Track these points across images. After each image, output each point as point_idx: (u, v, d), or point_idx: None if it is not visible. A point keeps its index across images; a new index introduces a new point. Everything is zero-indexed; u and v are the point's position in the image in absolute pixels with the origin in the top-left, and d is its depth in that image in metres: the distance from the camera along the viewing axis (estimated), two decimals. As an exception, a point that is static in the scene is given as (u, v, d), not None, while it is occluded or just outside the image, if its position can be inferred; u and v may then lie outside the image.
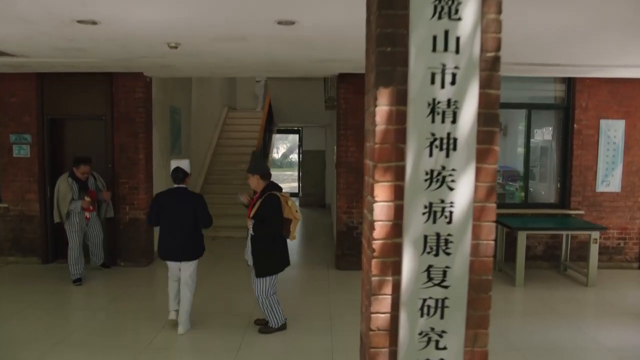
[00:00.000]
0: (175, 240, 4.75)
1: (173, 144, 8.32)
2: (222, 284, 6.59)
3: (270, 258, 4.67)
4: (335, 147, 7.37)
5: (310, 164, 13.52)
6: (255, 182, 4.69)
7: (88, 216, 6.18)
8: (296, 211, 4.71)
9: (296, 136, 15.38)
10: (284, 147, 29.51)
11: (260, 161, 5.01)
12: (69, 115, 7.07)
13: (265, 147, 11.26)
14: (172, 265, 4.88)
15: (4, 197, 7.16)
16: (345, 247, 6.99)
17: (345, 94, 6.88)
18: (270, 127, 12.35)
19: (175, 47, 4.73)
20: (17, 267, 7.04)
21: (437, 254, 1.94)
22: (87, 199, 6.05)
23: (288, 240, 4.81)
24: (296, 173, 16.87)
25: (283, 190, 4.86)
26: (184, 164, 4.95)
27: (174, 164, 4.97)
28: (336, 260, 7.12)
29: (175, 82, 8.34)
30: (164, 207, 4.78)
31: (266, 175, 4.73)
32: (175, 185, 4.87)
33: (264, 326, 4.89)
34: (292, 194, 16.40)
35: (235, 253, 7.83)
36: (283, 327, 4.86)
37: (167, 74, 6.93)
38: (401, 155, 1.96)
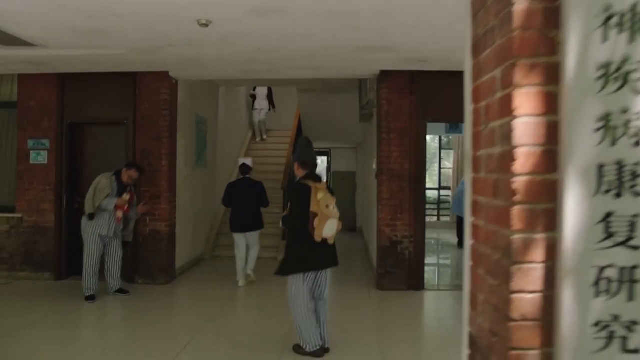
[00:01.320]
0: (244, 217, 6.42)
1: (198, 155, 7.78)
2: (253, 308, 5.85)
3: (293, 255, 4.04)
4: (375, 154, 6.70)
5: (340, 186, 12.83)
6: (297, 170, 4.23)
7: (120, 216, 5.54)
8: (327, 206, 3.93)
9: (324, 158, 14.77)
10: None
11: (303, 147, 4.38)
12: (90, 119, 6.61)
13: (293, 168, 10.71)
14: (240, 236, 6.55)
15: (18, 207, 6.65)
16: (389, 265, 6.20)
17: (387, 93, 6.26)
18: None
19: (206, 25, 4.20)
20: (28, 284, 6.44)
21: (619, 194, 1.22)
22: (125, 196, 5.55)
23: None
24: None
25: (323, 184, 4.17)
26: (249, 161, 6.81)
27: (241, 160, 6.91)
28: (378, 280, 6.32)
29: (202, 90, 7.88)
30: (235, 192, 6.47)
31: (304, 163, 4.17)
32: (242, 176, 6.64)
33: (297, 345, 4.16)
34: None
35: (265, 274, 7.11)
36: (315, 354, 3.99)
37: (193, 73, 6.45)
38: (552, 46, 1.27)
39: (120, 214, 5.52)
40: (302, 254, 3.98)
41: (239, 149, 10.93)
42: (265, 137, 11.89)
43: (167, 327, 4.89)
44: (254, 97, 11.59)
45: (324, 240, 3.91)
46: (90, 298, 5.51)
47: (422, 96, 6.25)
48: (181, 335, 4.54)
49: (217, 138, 9.00)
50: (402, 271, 6.19)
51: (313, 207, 3.88)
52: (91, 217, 5.45)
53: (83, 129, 6.74)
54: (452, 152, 14.15)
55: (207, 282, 6.84)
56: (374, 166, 6.79)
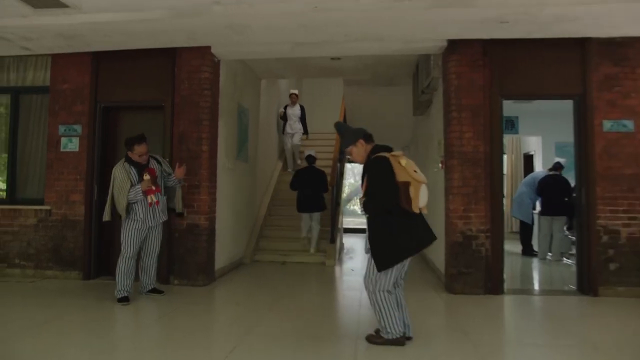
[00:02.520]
0: (309, 200, 7.61)
1: (240, 148, 7.12)
2: (308, 309, 5.04)
3: (391, 241, 3.31)
4: (441, 138, 5.86)
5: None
6: (361, 152, 3.58)
7: (151, 201, 4.78)
8: (415, 171, 3.33)
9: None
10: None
11: (350, 127, 3.76)
12: (125, 103, 6.04)
13: (338, 177, 9.92)
14: (305, 216, 7.73)
15: (46, 199, 6.10)
16: (462, 264, 5.29)
17: (457, 66, 5.46)
18: (342, 155, 11.01)
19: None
20: (54, 283, 5.82)
21: None
22: (146, 177, 4.75)
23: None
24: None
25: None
26: (313, 152, 8.09)
27: (307, 152, 8.19)
28: (448, 281, 5.41)
29: (244, 79, 7.28)
30: (302, 178, 7.74)
31: (368, 137, 3.63)
32: (307, 165, 7.91)
33: (373, 334, 3.57)
34: (361, 230, 14.75)
35: (310, 282, 6.32)
36: (398, 342, 3.45)
37: (237, 49, 5.81)
38: None
39: (152, 197, 4.82)
40: (403, 235, 3.31)
41: (269, 180, 10.19)
42: (299, 162, 9.88)
43: (210, 329, 4.14)
44: (284, 118, 9.97)
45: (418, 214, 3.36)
46: (124, 300, 4.78)
47: (497, 69, 5.42)
48: (228, 337, 3.77)
49: (259, 134, 8.35)
50: (478, 272, 5.27)
51: (401, 177, 3.29)
52: (107, 222, 4.96)
53: (117, 113, 6.18)
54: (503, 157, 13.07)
55: (251, 285, 6.06)
56: (440, 153, 5.94)
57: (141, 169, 4.80)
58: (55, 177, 6.07)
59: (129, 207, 4.74)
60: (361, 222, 20.04)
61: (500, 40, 5.33)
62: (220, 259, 6.28)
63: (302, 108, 9.93)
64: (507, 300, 5.18)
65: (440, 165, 6.02)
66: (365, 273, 3.48)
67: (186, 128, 5.75)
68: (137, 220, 4.77)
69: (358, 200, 3.82)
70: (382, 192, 3.30)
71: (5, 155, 6.45)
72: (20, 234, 6.13)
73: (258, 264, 7.50)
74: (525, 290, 5.88)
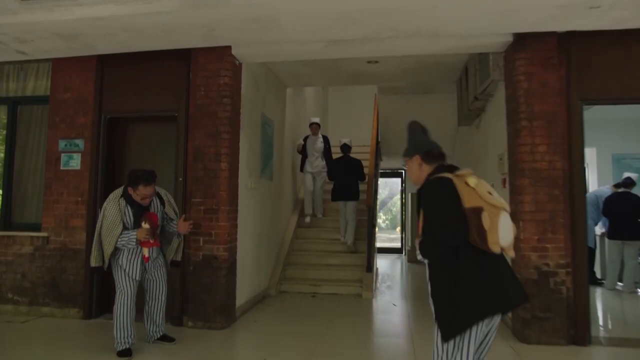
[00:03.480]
0: (344, 188, 7.51)
1: (264, 164, 6.26)
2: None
3: (458, 298, 2.25)
4: (507, 148, 4.89)
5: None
6: (415, 171, 2.61)
7: (147, 255, 3.93)
8: (490, 193, 2.30)
9: (396, 180, 13.00)
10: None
11: (418, 135, 2.71)
12: (133, 113, 5.24)
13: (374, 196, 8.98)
14: (341, 204, 7.57)
15: (44, 224, 5.32)
16: (537, 307, 4.29)
17: (527, 66, 4.52)
18: (376, 169, 10.05)
19: None
20: (51, 323, 5.01)
21: None
22: (144, 225, 3.85)
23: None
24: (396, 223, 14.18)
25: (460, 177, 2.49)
26: (348, 141, 7.90)
27: (342, 140, 7.96)
28: (520, 328, 4.39)
29: (267, 85, 6.45)
30: (337, 167, 7.66)
31: (429, 154, 2.56)
32: (343, 154, 7.77)
33: None
34: (394, 250, 13.75)
35: (347, 322, 5.39)
36: None
37: (261, 50, 4.96)
38: None
39: (147, 251, 3.94)
40: (476, 285, 2.23)
41: (295, 198, 9.30)
42: (321, 214, 8.21)
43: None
44: (303, 153, 8.09)
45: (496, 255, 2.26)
46: (125, 353, 3.88)
47: (575, 68, 4.46)
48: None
49: (284, 147, 7.49)
50: (558, 316, 4.26)
51: (470, 201, 2.25)
52: (97, 269, 4.07)
53: (124, 125, 5.39)
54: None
55: (278, 327, 5.14)
56: (503, 171, 4.97)
57: (140, 211, 3.90)
58: (54, 199, 5.29)
59: (117, 253, 3.90)
60: (387, 238, 18.95)
61: (578, 32, 4.38)
62: (243, 294, 5.39)
63: (325, 140, 8.06)
64: (598, 354, 4.15)
65: (501, 184, 5.06)
66: (433, 349, 2.39)
67: (202, 142, 4.92)
68: (129, 266, 3.92)
69: (416, 244, 2.70)
70: (443, 224, 2.29)
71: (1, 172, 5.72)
72: (15, 265, 5.35)
73: (285, 295, 6.59)
74: (618, 339, 4.71)
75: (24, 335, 4.61)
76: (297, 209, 8.41)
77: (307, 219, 8.03)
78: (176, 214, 4.24)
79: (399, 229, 24.51)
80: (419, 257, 2.49)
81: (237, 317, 5.18)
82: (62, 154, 5.30)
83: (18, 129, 5.71)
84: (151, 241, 3.90)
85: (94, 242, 3.93)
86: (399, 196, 14.61)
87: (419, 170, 2.56)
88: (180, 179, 4.92)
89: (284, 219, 7.65)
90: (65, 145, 5.30)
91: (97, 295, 5.17)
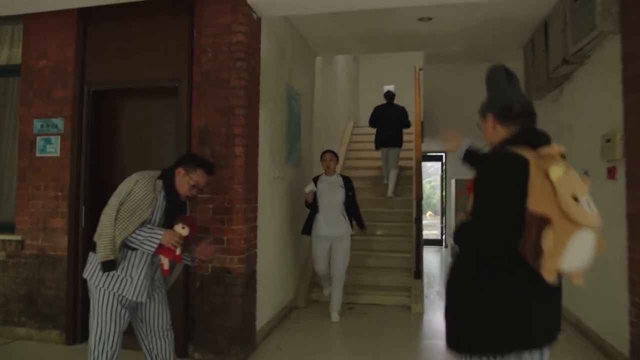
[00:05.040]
0: (388, 135, 7.39)
1: (290, 148, 5.07)
2: None
3: (480, 313, 1.70)
4: (623, 126, 3.55)
5: (465, 198, 9.65)
6: (489, 133, 1.92)
7: (167, 267, 2.65)
8: (576, 199, 1.52)
9: (436, 165, 11.66)
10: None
11: (500, 84, 1.88)
12: (122, 84, 4.08)
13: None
14: (384, 151, 7.50)
15: (18, 224, 4.27)
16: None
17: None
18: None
19: None
20: (26, 349, 4.00)
21: None
22: (181, 228, 2.61)
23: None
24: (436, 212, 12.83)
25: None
26: (392, 88, 7.64)
27: (385, 88, 7.65)
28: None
29: (294, 51, 5.22)
30: (381, 114, 7.52)
31: (507, 112, 1.85)
32: (386, 101, 7.61)
33: None
34: (433, 241, 12.45)
35: (390, 340, 4.24)
36: None
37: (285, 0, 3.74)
38: None
39: (166, 262, 2.65)
40: (508, 308, 1.67)
41: (338, 147, 8.07)
42: (335, 317, 4.87)
43: None
44: (312, 206, 4.94)
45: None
46: None
47: None
48: None
49: (313, 127, 6.28)
50: None
51: (539, 203, 1.55)
52: (109, 267, 2.54)
53: (113, 100, 4.24)
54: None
55: (309, 354, 4.00)
56: (615, 156, 3.65)
57: (176, 207, 2.69)
58: (30, 194, 4.22)
59: (125, 250, 2.59)
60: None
61: None
62: (264, 312, 4.27)
63: (347, 183, 5.01)
64: None
65: (605, 174, 3.77)
66: None
67: (210, 120, 3.74)
68: (121, 281, 2.59)
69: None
70: (497, 217, 1.62)
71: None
72: (-15, 274, 4.34)
73: (316, 307, 5.45)
74: None
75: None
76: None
77: (326, 291, 5.43)
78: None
79: (430, 213, 23.14)
80: (453, 243, 1.95)
81: (258, 343, 4.06)
82: (38, 138, 4.21)
83: (-10, 107, 4.66)
84: (177, 253, 2.60)
85: (102, 225, 2.54)
86: (437, 182, 13.26)
87: (492, 133, 1.88)
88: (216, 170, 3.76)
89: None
90: (42, 126, 4.21)
91: (82, 314, 4.10)
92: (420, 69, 8.88)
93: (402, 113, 7.47)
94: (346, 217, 4.90)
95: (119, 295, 2.59)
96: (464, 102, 7.51)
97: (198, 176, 2.67)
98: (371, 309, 5.37)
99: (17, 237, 4.21)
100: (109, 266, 2.52)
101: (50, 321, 4.14)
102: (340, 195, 4.87)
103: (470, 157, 2.24)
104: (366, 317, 5.05)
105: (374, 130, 9.32)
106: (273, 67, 4.42)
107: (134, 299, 2.61)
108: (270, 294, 4.43)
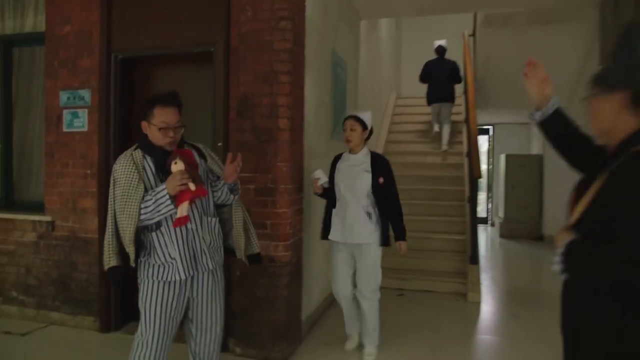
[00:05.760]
0: (439, 90, 7.27)
1: (336, 121, 4.60)
2: None
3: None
4: None
5: (516, 175, 9.00)
6: (610, 116, 1.38)
7: (186, 213, 2.19)
8: None
9: (481, 137, 10.94)
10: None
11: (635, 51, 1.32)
12: (153, 51, 3.67)
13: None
14: (436, 107, 7.34)
15: (47, 204, 4.00)
16: None
17: None
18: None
19: None
20: (60, 335, 3.78)
21: None
22: (175, 164, 2.15)
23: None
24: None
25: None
26: (444, 42, 7.48)
27: (436, 43, 7.45)
28: None
29: (339, 14, 4.68)
30: (432, 69, 7.35)
31: None
32: (437, 56, 7.43)
33: None
34: (478, 219, 11.76)
35: (448, 336, 3.81)
36: None
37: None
38: None
39: (185, 208, 2.17)
40: None
41: (381, 120, 7.55)
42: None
43: None
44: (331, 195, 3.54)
45: None
46: None
47: None
48: None
49: (358, 97, 5.76)
50: None
51: None
52: (114, 275, 2.27)
53: (142, 68, 3.85)
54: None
55: (358, 348, 3.62)
56: None
57: (165, 157, 2.23)
58: (58, 172, 3.93)
59: (140, 240, 2.25)
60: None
61: None
62: (310, 302, 3.90)
63: (379, 165, 3.31)
64: None
65: None
66: None
67: (251, 89, 3.30)
68: (159, 268, 2.25)
69: (557, 240, 1.33)
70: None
71: (-2, 138, 4.43)
72: (17, 256, 4.11)
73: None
74: None
75: (23, 355, 3.38)
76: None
77: (349, 344, 3.62)
78: (220, 168, 2.51)
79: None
80: (556, 268, 1.38)
81: (303, 335, 3.70)
82: (65, 111, 3.88)
83: (16, 79, 4.36)
84: (192, 188, 2.13)
85: (106, 232, 2.26)
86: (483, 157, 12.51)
87: (616, 116, 1.38)
88: (220, 144, 3.35)
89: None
90: (68, 98, 3.87)
91: (116, 300, 3.84)
92: (469, 35, 8.19)
93: (453, 68, 7.32)
94: (374, 216, 3.25)
95: (165, 281, 2.27)
96: (518, 66, 6.83)
97: (159, 116, 2.21)
98: (422, 296, 4.94)
99: (47, 218, 3.94)
100: (113, 274, 2.25)
101: (83, 307, 3.89)
102: (363, 182, 3.19)
103: (557, 125, 1.67)
104: (418, 307, 4.62)
105: (418, 102, 8.79)
106: (318, 28, 3.92)
107: (182, 277, 2.27)
108: (315, 282, 4.05)
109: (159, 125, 2.20)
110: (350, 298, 3.38)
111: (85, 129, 3.81)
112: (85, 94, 3.80)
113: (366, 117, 3.29)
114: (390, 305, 4.60)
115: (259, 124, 3.26)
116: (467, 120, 6.96)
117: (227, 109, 3.34)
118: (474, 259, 5.10)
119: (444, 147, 7.27)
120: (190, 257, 2.28)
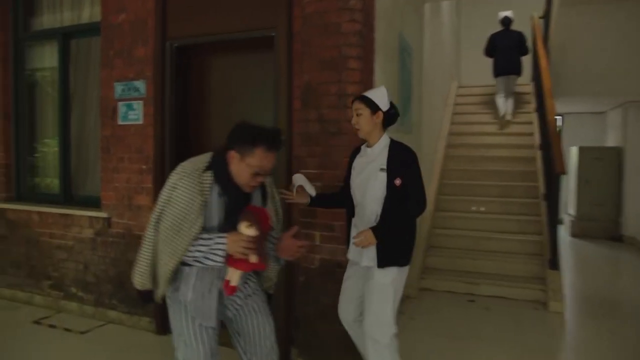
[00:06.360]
0: (506, 62, 7.03)
1: (403, 111, 4.22)
2: None
3: None
4: None
5: (590, 169, 8.27)
6: None
7: (235, 284, 1.91)
8: None
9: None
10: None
11: None
12: (210, 37, 3.43)
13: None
14: (501, 80, 7.10)
15: (103, 200, 3.88)
16: None
17: None
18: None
19: None
20: (117, 334, 3.67)
21: None
22: (246, 228, 1.82)
23: None
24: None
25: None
26: (509, 13, 7.21)
27: (501, 14, 7.24)
28: None
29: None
30: (498, 41, 7.12)
31: None
32: (503, 28, 7.17)
33: None
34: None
35: (526, 342, 3.38)
36: None
37: None
38: None
39: (236, 277, 1.90)
40: None
41: (442, 110, 7.04)
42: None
43: None
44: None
45: None
46: None
47: None
48: None
49: (422, 85, 5.35)
50: None
51: None
52: (147, 298, 2.06)
53: (198, 57, 3.63)
54: None
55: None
56: None
57: (238, 201, 1.92)
58: (113, 167, 3.79)
59: (182, 275, 1.97)
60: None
61: None
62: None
63: (399, 159, 2.40)
64: None
65: None
66: None
67: (316, 76, 2.99)
68: (185, 306, 1.97)
69: None
70: None
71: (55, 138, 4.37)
72: (75, 252, 4.03)
73: (429, 297, 4.67)
74: None
75: (81, 354, 3.28)
76: (434, 171, 6.30)
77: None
78: (278, 217, 2.18)
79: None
80: None
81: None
82: (119, 103, 3.73)
83: (73, 72, 4.27)
84: (253, 260, 1.86)
85: (144, 244, 1.95)
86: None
87: None
88: (283, 137, 3.08)
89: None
90: (123, 90, 3.71)
91: (173, 302, 3.66)
92: (540, 17, 7.53)
93: (520, 38, 7.10)
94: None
95: (197, 314, 1.99)
96: (597, 49, 6.17)
97: (260, 159, 1.83)
98: (496, 303, 4.50)
99: (104, 214, 3.81)
100: (146, 297, 1.99)
101: (139, 307, 3.74)
102: (377, 184, 2.38)
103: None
104: (492, 316, 4.20)
105: (479, 91, 8.22)
106: (385, 9, 3.55)
107: (203, 322, 1.97)
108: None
109: (254, 168, 1.84)
110: (351, 322, 2.63)
111: (140, 121, 3.64)
112: (140, 85, 3.62)
113: (377, 95, 2.44)
114: (459, 313, 4.21)
115: (325, 114, 2.95)
116: (539, 110, 6.41)
117: (290, 98, 3.05)
118: (554, 263, 4.61)
119: (508, 117, 7.10)
120: (216, 304, 2.00)
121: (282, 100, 3.07)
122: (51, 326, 3.81)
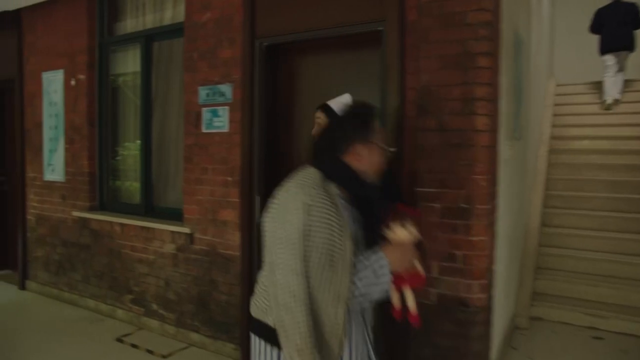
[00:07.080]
0: (617, 37, 6.42)
1: (516, 114, 3.64)
2: None
3: None
4: None
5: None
6: None
7: (400, 306, 1.53)
8: None
9: None
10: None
11: None
12: (305, 34, 3.04)
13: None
14: (610, 58, 6.47)
15: (186, 213, 3.61)
16: None
17: None
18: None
19: None
20: (202, 357, 3.38)
21: None
22: (400, 228, 1.44)
23: None
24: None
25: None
26: None
27: None
28: None
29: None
30: (605, 16, 6.49)
31: None
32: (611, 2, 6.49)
33: None
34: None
35: None
36: None
37: None
38: None
39: (397, 300, 1.51)
40: None
41: (542, 112, 6.25)
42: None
43: None
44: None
45: None
46: None
47: None
48: None
49: (530, 87, 4.71)
50: None
51: None
52: None
53: (291, 56, 3.26)
54: None
55: None
56: None
57: (371, 207, 1.48)
58: (196, 178, 3.51)
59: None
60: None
61: None
62: (493, 348, 3.03)
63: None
64: None
65: None
66: None
67: (435, 77, 2.51)
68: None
69: None
70: None
71: (137, 142, 4.18)
72: (156, 267, 3.81)
73: (543, 328, 4.04)
74: None
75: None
76: (538, 180, 5.59)
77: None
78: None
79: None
80: None
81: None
82: (203, 109, 3.44)
83: (155, 76, 4.06)
84: (422, 273, 1.52)
85: (283, 305, 1.36)
86: None
87: None
88: (393, 149, 2.62)
89: (526, 197, 4.96)
90: (207, 94, 3.41)
91: (259, 329, 3.32)
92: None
93: (632, 10, 6.47)
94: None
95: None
96: None
97: (379, 132, 1.54)
98: (631, 343, 3.79)
99: (186, 230, 3.55)
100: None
101: (223, 331, 3.44)
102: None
103: None
104: (627, 356, 3.52)
105: (577, 90, 7.34)
106: (508, 5, 3.01)
107: None
108: (499, 320, 3.17)
109: (382, 144, 1.52)
110: None
111: (226, 129, 3.33)
112: (226, 89, 3.31)
113: (337, 104, 2.12)
114: (588, 355, 3.56)
115: (447, 122, 2.46)
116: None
117: (402, 103, 2.59)
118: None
119: (617, 95, 6.51)
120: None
121: (391, 107, 2.61)
122: (133, 346, 3.60)
